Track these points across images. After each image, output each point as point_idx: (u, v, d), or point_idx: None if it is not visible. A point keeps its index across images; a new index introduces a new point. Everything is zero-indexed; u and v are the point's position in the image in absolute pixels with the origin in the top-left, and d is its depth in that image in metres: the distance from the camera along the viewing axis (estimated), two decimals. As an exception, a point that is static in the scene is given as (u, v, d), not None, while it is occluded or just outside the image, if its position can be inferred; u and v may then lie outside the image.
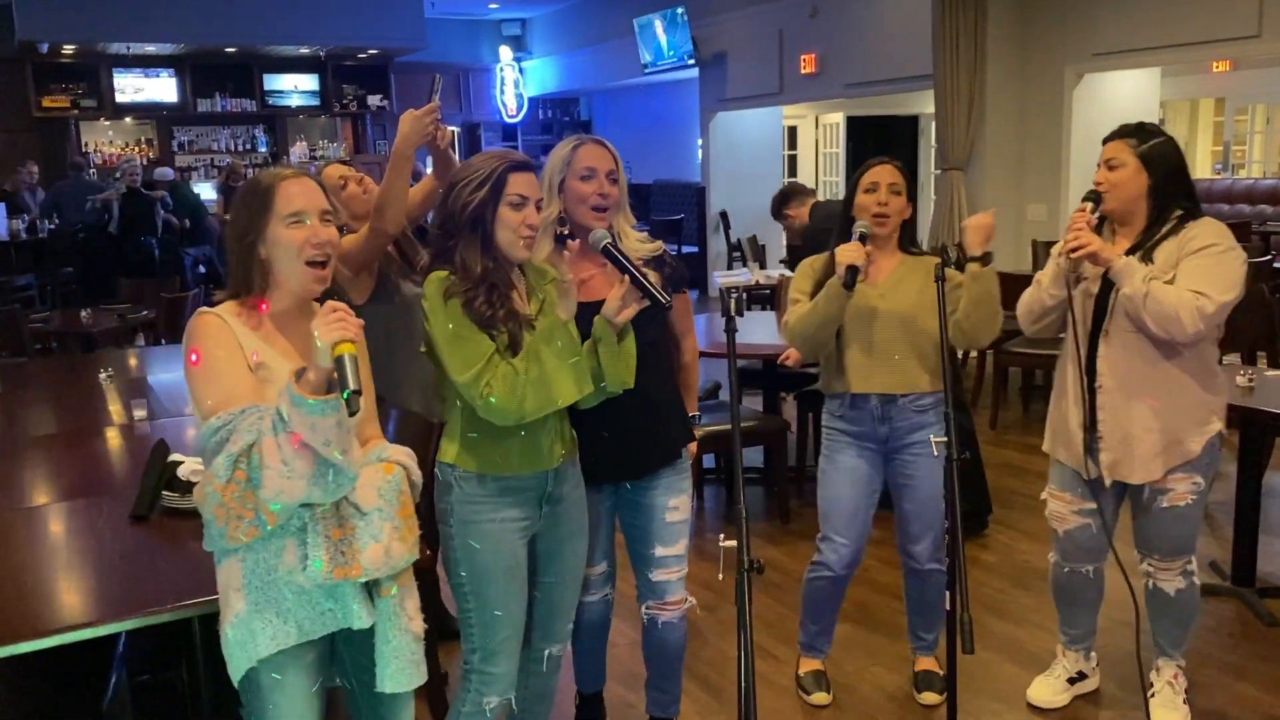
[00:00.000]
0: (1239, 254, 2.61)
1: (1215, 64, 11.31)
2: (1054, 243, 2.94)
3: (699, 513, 4.79)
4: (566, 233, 2.38)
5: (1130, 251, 2.66)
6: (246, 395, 1.84)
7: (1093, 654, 3.14)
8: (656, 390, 2.54)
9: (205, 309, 1.93)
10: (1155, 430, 2.70)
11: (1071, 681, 3.10)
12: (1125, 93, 8.07)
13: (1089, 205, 2.70)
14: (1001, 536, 4.40)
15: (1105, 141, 2.73)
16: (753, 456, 5.36)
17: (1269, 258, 7.11)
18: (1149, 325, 2.57)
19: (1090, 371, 2.76)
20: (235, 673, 1.91)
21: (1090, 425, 2.77)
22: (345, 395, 1.73)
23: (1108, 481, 2.78)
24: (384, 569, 1.89)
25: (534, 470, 2.24)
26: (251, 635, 1.88)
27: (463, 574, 2.24)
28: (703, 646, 3.47)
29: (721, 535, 1.89)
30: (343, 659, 2.06)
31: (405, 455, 2.03)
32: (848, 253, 2.69)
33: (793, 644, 3.29)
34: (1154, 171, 2.64)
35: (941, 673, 3.14)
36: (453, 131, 3.28)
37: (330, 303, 1.79)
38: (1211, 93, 12.98)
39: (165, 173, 11.14)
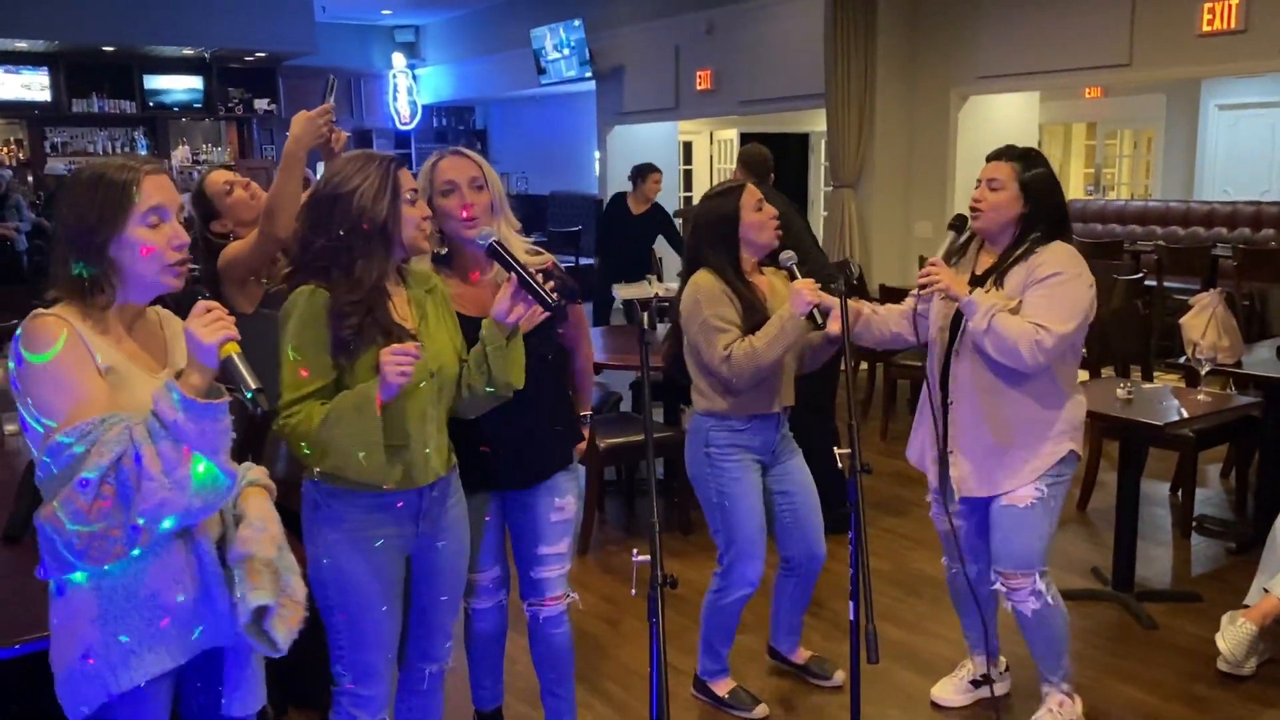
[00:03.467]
0: (1083, 281, 2.67)
1: (1088, 90, 11.87)
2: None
3: (600, 525, 4.76)
4: (444, 251, 2.37)
5: (989, 272, 2.77)
6: (100, 403, 1.69)
7: (1000, 659, 3.21)
8: (549, 403, 2.56)
9: (43, 310, 1.75)
10: (1001, 448, 2.78)
11: (975, 684, 3.18)
12: (1007, 115, 8.40)
13: (951, 235, 2.83)
14: (894, 545, 4.49)
15: (990, 159, 2.80)
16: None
17: (1140, 275, 7.46)
18: (994, 356, 2.67)
19: (945, 389, 2.87)
20: (75, 712, 1.76)
21: (942, 441, 2.87)
22: (250, 395, 1.70)
23: (956, 495, 2.87)
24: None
25: (407, 487, 2.16)
26: (110, 669, 1.73)
27: (330, 594, 2.16)
28: (604, 660, 3.44)
29: (635, 551, 1.87)
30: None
31: (264, 475, 1.99)
32: (812, 292, 2.71)
33: (694, 655, 3.28)
34: (1030, 199, 2.73)
35: (812, 653, 3.34)
36: (347, 135, 3.20)
37: (203, 302, 1.72)
38: (1085, 117, 13.59)
39: (57, 168, 10.64)
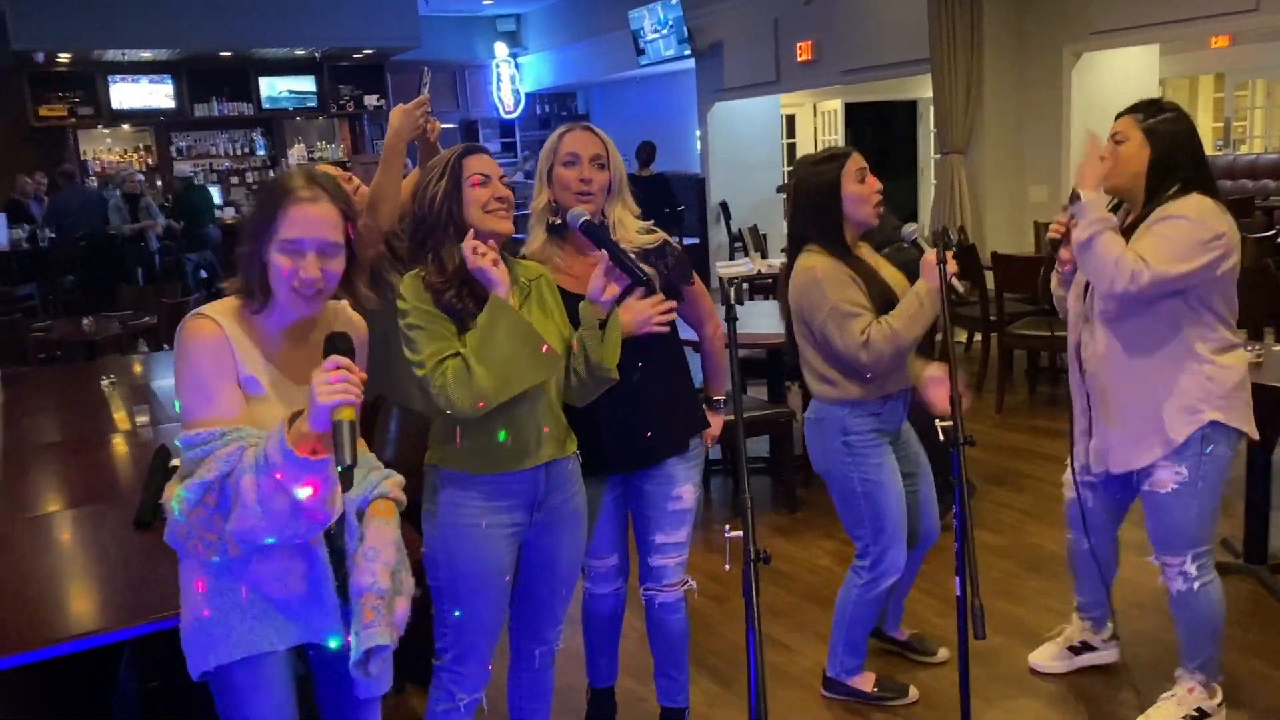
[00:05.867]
0: (1204, 230, 2.50)
1: (1214, 39, 11.24)
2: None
3: (706, 504, 4.78)
4: (559, 221, 2.37)
5: (1132, 227, 2.63)
6: (231, 411, 1.77)
7: (1107, 627, 3.11)
8: (663, 380, 2.53)
9: (200, 311, 1.84)
10: (1132, 420, 2.65)
11: (1075, 651, 3.09)
12: (1124, 71, 8.03)
13: (1077, 206, 2.68)
14: (1010, 519, 4.38)
15: (1117, 117, 2.68)
16: (758, 446, 5.34)
17: (1273, 232, 7.07)
18: (1085, 274, 2.59)
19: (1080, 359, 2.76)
20: (193, 669, 1.86)
21: (1083, 411, 2.77)
22: (341, 470, 1.64)
23: (1094, 468, 2.77)
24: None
25: (520, 468, 2.20)
26: (212, 640, 1.83)
27: (442, 576, 2.22)
28: (712, 638, 3.45)
29: (727, 526, 1.87)
30: (306, 654, 2.02)
31: (398, 488, 1.99)
32: (954, 269, 2.54)
33: (803, 632, 3.28)
34: (1156, 146, 2.58)
35: (914, 631, 3.29)
36: (441, 126, 3.27)
37: (333, 357, 1.66)
38: (1211, 69, 12.90)
39: (184, 171, 11.29)
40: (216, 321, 1.81)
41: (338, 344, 1.68)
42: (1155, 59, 8.47)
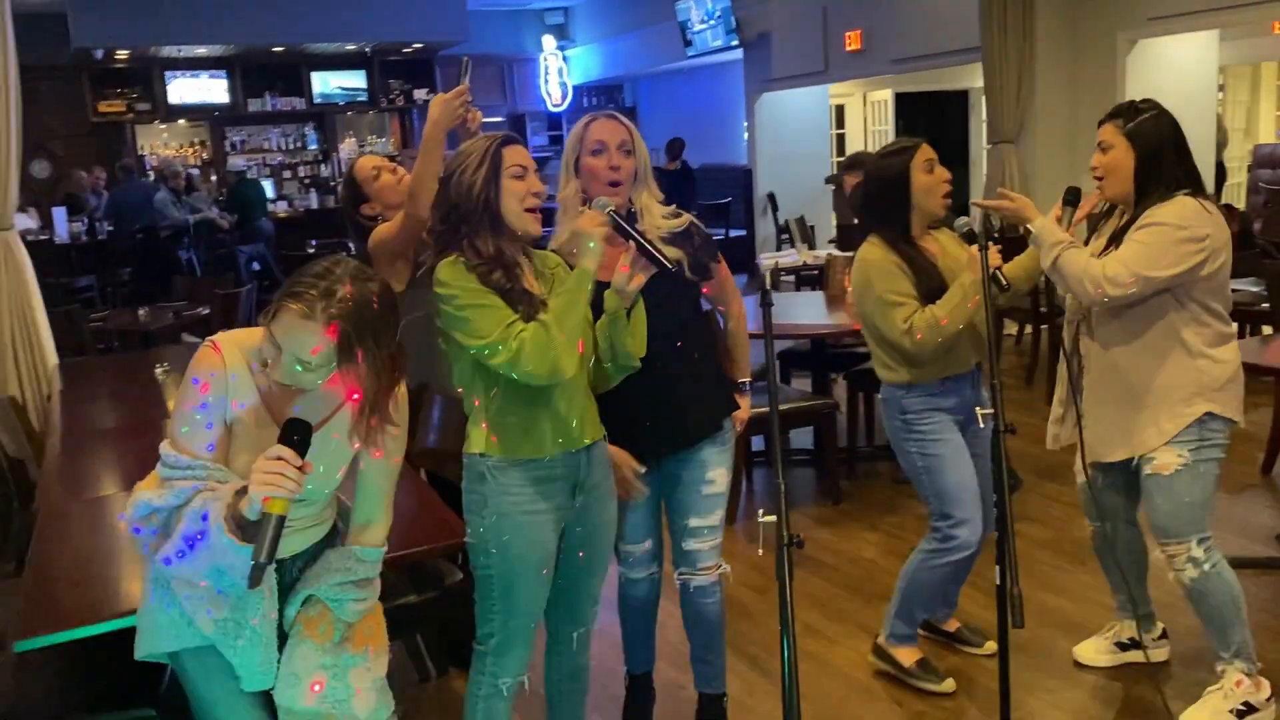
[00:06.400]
0: (1182, 233, 2.52)
1: (1277, 25, 10.95)
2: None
3: (748, 494, 4.77)
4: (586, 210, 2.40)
5: (1118, 234, 2.65)
6: (207, 448, 1.80)
7: (1156, 625, 3.08)
8: (694, 363, 2.56)
9: (214, 339, 1.87)
10: (1126, 410, 2.69)
11: (1123, 647, 3.06)
12: (1182, 58, 7.85)
13: (1067, 210, 2.75)
14: (1057, 512, 4.33)
15: (1099, 125, 2.70)
16: (804, 438, 5.33)
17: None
18: (1060, 288, 2.64)
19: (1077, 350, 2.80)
20: (139, 650, 1.92)
21: (1074, 402, 2.80)
22: (251, 564, 1.64)
23: (1088, 458, 2.79)
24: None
25: (566, 450, 2.23)
26: (157, 627, 1.88)
27: (491, 563, 2.23)
28: (752, 627, 3.46)
29: (760, 511, 1.87)
30: None
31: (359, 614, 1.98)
32: (993, 257, 2.64)
33: (844, 623, 3.27)
34: (1139, 148, 2.60)
35: (963, 622, 3.27)
36: (481, 116, 3.29)
37: (276, 448, 1.67)
38: (1273, 55, 12.54)
39: (238, 165, 11.50)
40: (222, 354, 1.84)
41: (290, 432, 1.69)
42: (1215, 46, 8.27)
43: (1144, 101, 2.67)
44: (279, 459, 1.65)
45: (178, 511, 1.75)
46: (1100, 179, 2.68)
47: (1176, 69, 7.69)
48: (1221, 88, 10.69)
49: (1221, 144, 10.05)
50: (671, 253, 2.39)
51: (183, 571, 1.77)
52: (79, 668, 2.43)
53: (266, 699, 1.94)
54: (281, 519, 1.64)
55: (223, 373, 1.83)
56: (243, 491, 1.70)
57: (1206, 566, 2.68)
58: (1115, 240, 2.66)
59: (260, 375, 1.85)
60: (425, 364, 2.76)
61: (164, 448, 1.82)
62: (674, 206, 2.56)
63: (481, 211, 2.13)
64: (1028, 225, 2.71)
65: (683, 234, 2.51)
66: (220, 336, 1.88)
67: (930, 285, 2.78)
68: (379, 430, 1.88)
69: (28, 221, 9.52)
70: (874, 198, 2.88)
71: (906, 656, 3.06)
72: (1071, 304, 2.82)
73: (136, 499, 1.79)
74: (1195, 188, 2.61)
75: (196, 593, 1.84)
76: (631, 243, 2.16)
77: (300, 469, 1.67)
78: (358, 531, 2.01)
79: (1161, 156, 2.60)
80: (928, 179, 2.79)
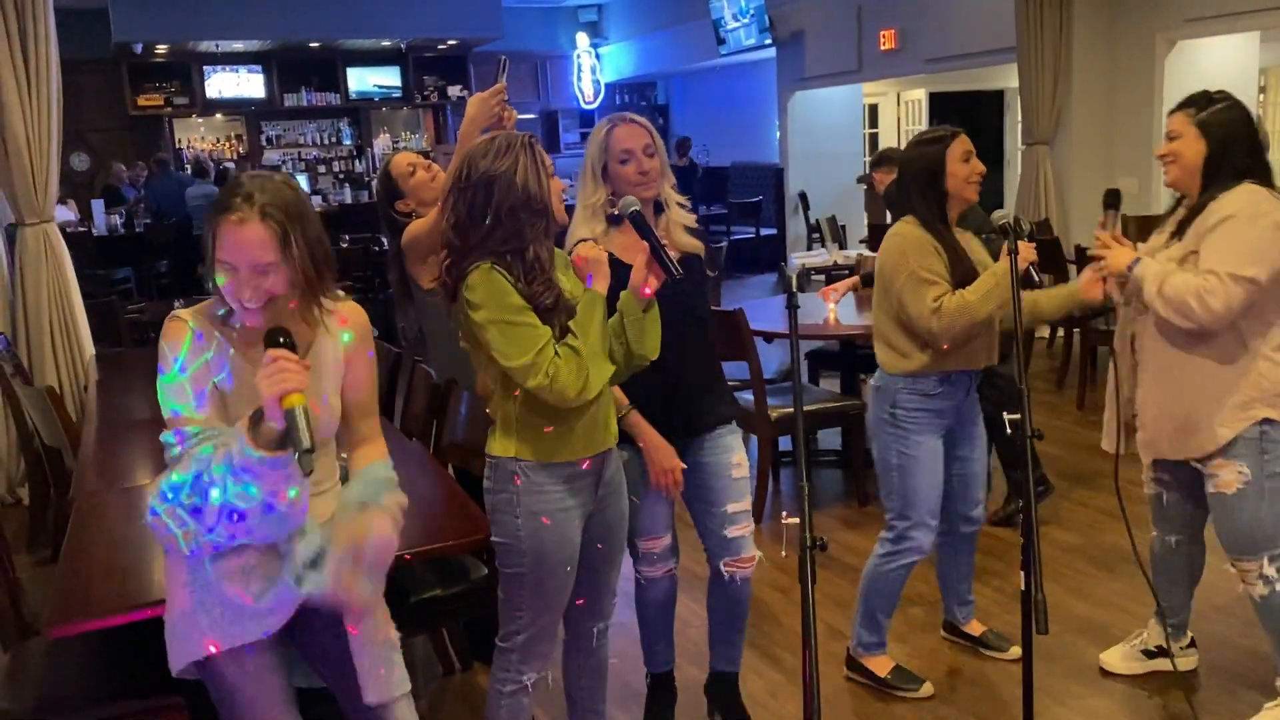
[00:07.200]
0: (1265, 221, 2.47)
1: (1321, 27, 10.77)
2: (1144, 217, 2.91)
3: (775, 495, 4.77)
4: (616, 212, 2.43)
5: (1183, 225, 2.62)
6: (205, 410, 1.80)
7: (1186, 634, 3.05)
8: (708, 351, 2.68)
9: (175, 313, 1.87)
10: (1179, 412, 2.65)
11: (1150, 655, 3.03)
12: (1221, 60, 7.74)
13: (1109, 214, 2.73)
14: (1087, 518, 4.29)
15: (1170, 114, 2.68)
16: (830, 439, 5.31)
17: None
18: (1176, 322, 2.55)
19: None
20: (174, 661, 1.89)
21: (1130, 402, 2.78)
22: (297, 455, 1.66)
23: (1145, 459, 2.77)
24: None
25: (598, 451, 2.26)
26: (195, 631, 1.86)
27: (527, 563, 2.24)
28: (776, 628, 3.45)
29: (784, 513, 1.87)
30: (318, 667, 2.05)
31: (397, 504, 1.97)
32: (1029, 253, 2.66)
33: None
34: (1210, 139, 2.57)
35: (988, 626, 3.28)
36: (516, 115, 3.29)
37: (271, 351, 1.69)
38: (1317, 57, 12.36)
39: (273, 159, 11.60)
40: (188, 322, 1.85)
41: (275, 338, 1.72)
42: (1255, 47, 8.15)
43: (1218, 92, 2.63)
44: (276, 360, 1.68)
45: (204, 478, 1.73)
46: (1171, 162, 2.64)
47: (1216, 71, 7.57)
48: (1262, 90, 10.52)
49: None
50: (693, 244, 2.55)
51: (239, 537, 1.75)
52: (108, 653, 2.47)
53: (300, 702, 1.97)
54: (306, 409, 1.67)
55: (189, 334, 1.83)
56: (256, 424, 1.70)
57: (1279, 585, 2.63)
58: (1179, 231, 2.62)
59: (228, 330, 1.86)
60: (456, 360, 2.79)
61: (164, 437, 1.81)
62: (687, 197, 2.66)
63: (544, 212, 2.14)
64: (1124, 275, 2.64)
65: (694, 231, 2.62)
66: (179, 311, 1.89)
67: (963, 270, 2.79)
68: (326, 314, 1.91)
69: (67, 213, 9.66)
70: (910, 182, 2.89)
71: (880, 667, 3.05)
72: (1125, 311, 2.78)
73: (157, 486, 1.78)
74: (1263, 177, 2.56)
75: (234, 580, 1.85)
76: (648, 245, 2.18)
77: (298, 363, 1.69)
78: (358, 460, 2.02)
79: (1232, 146, 2.56)
80: (963, 167, 2.81)
